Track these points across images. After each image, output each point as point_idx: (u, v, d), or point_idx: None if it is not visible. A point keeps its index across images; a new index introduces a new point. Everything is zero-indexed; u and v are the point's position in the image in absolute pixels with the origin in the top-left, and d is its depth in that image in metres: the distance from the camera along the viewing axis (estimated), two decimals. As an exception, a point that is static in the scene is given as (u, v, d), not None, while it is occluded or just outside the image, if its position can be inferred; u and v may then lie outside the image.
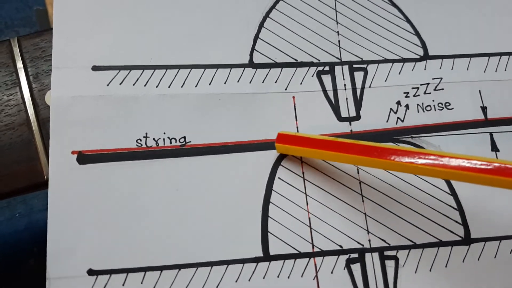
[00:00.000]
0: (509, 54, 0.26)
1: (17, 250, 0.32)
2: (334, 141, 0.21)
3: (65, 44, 0.24)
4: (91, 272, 0.21)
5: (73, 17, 0.24)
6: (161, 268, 0.21)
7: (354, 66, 0.25)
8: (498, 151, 0.24)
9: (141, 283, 0.21)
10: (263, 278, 0.21)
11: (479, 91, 0.25)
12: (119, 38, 0.24)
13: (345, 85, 0.25)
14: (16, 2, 0.34)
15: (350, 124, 0.24)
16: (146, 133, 0.23)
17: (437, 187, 0.23)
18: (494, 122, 0.25)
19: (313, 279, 0.21)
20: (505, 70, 0.26)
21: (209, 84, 0.24)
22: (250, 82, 0.24)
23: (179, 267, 0.21)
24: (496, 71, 0.26)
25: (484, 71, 0.26)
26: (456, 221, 0.23)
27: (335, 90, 0.24)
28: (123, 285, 0.21)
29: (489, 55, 0.26)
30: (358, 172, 0.23)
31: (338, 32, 0.26)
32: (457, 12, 0.27)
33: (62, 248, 0.21)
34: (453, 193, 0.23)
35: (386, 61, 0.25)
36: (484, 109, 0.25)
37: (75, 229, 0.21)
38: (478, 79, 0.26)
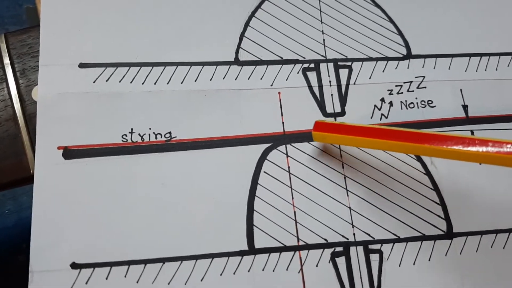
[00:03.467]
0: (489, 55, 0.27)
1: (6, 246, 0.32)
2: (375, 128, 0.21)
3: (52, 41, 0.24)
4: (74, 265, 0.20)
5: (60, 15, 0.24)
6: (145, 262, 0.21)
7: (339, 63, 0.26)
8: (480, 147, 0.25)
9: (125, 276, 0.21)
10: (248, 271, 0.21)
11: (461, 90, 0.26)
12: (105, 36, 0.24)
13: (330, 81, 0.25)
14: (6, 0, 0.35)
15: (335, 120, 0.24)
16: (132, 129, 0.23)
17: (420, 182, 0.24)
18: (475, 120, 0.25)
19: (298, 272, 0.22)
20: (485, 70, 0.27)
21: (195, 81, 0.24)
22: (235, 79, 0.24)
23: (163, 260, 0.21)
24: (476, 71, 0.27)
25: (465, 71, 0.26)
26: (439, 216, 0.23)
27: (320, 86, 0.25)
28: (106, 278, 0.20)
29: (470, 55, 0.27)
30: (343, 167, 0.24)
31: (322, 31, 0.26)
32: (439, 13, 0.28)
33: (46, 241, 0.21)
34: (435, 188, 0.24)
35: (370, 59, 0.26)
36: (465, 107, 0.26)
37: (60, 222, 0.21)
38: (459, 78, 0.26)
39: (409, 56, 0.26)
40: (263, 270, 0.21)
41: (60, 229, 0.21)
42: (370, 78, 0.25)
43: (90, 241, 0.21)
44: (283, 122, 0.24)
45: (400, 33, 0.27)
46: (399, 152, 0.23)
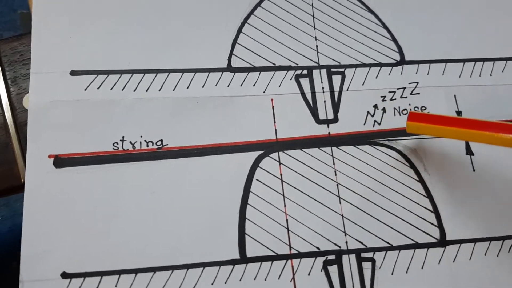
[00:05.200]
0: (483, 60, 0.27)
1: (0, 252, 0.32)
2: (472, 120, 0.21)
3: (43, 49, 0.24)
4: (64, 275, 0.20)
5: (51, 22, 0.24)
6: (136, 271, 0.21)
7: (332, 70, 0.25)
8: (473, 154, 0.25)
9: (116, 286, 0.20)
10: (240, 280, 0.21)
11: (454, 95, 0.26)
12: (97, 43, 0.24)
13: (323, 88, 0.25)
14: (1, 5, 0.34)
15: (328, 127, 0.24)
16: (123, 137, 0.23)
17: (413, 189, 0.24)
18: (469, 126, 0.25)
19: (290, 281, 0.21)
20: (480, 75, 0.26)
21: (187, 88, 0.24)
22: (228, 86, 0.24)
23: (154, 270, 0.21)
24: (470, 76, 0.26)
25: (459, 76, 0.26)
26: (432, 223, 0.23)
27: (313, 93, 0.25)
28: (97, 288, 0.20)
29: (464, 60, 0.27)
30: (335, 174, 0.24)
31: (315, 37, 0.26)
32: (433, 19, 0.27)
33: (36, 251, 0.21)
34: (428, 195, 0.24)
35: (363, 65, 0.26)
36: (459, 113, 0.26)
37: (50, 232, 0.21)
38: (453, 84, 0.26)
39: (402, 62, 0.26)
40: (254, 279, 0.21)
41: (50, 238, 0.21)
42: (363, 84, 0.25)
43: (81, 250, 0.21)
44: (275, 129, 0.24)
45: (394, 39, 0.27)
46: (494, 145, 0.22)
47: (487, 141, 0.21)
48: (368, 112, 0.25)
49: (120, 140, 0.23)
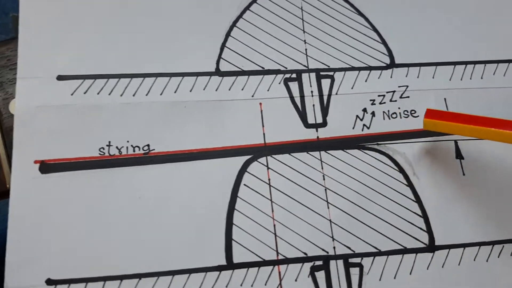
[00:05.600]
0: (474, 63, 0.27)
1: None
2: (489, 118, 0.21)
3: (30, 53, 0.24)
4: (49, 281, 0.20)
5: (38, 27, 0.24)
6: (121, 278, 0.21)
7: (321, 73, 0.25)
8: (463, 158, 0.24)
9: (101, 293, 0.20)
10: (226, 287, 0.21)
11: (444, 99, 0.26)
12: (84, 48, 0.24)
13: (312, 92, 0.25)
14: (-8, 8, 0.34)
15: (317, 131, 0.24)
16: (109, 142, 0.23)
17: (402, 194, 0.24)
18: (459, 130, 0.25)
19: (277, 287, 0.21)
20: (470, 78, 0.26)
21: (175, 92, 0.24)
22: (216, 90, 0.24)
23: (139, 276, 0.21)
24: (461, 79, 0.26)
25: (450, 80, 0.26)
26: (421, 228, 0.23)
27: (302, 96, 0.25)
28: (82, 295, 0.20)
29: (454, 63, 0.27)
30: (324, 179, 0.23)
31: (305, 40, 0.26)
32: (424, 21, 0.27)
33: (21, 257, 0.20)
34: (417, 200, 0.23)
35: (352, 68, 0.26)
36: (449, 116, 0.25)
37: (35, 238, 0.21)
38: (443, 87, 0.26)
39: (392, 65, 0.26)
40: (241, 285, 0.21)
41: (36, 244, 0.21)
42: (352, 88, 0.25)
43: (66, 256, 0.21)
44: (264, 134, 0.24)
45: (384, 42, 0.26)
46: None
47: (503, 139, 0.21)
48: (357, 116, 0.25)
49: (107, 145, 0.23)
